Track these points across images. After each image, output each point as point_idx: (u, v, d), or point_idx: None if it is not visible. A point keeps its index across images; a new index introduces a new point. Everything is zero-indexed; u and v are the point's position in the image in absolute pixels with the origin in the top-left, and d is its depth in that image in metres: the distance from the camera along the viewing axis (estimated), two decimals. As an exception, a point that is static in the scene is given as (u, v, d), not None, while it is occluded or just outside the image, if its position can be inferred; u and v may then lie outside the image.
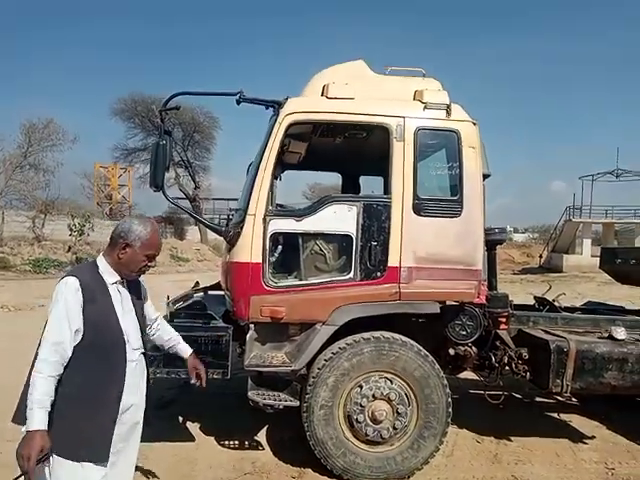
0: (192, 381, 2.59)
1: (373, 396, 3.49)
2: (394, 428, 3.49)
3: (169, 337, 2.59)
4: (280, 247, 3.66)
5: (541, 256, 30.46)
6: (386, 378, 3.54)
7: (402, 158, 3.63)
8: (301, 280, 3.63)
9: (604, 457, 4.05)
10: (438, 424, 3.55)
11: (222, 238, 3.82)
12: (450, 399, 3.59)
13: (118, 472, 2.13)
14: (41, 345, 1.95)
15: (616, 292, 13.94)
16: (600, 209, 30.06)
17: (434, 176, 3.84)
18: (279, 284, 3.57)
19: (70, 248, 20.23)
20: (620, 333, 3.88)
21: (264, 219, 3.50)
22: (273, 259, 3.61)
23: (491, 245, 4.19)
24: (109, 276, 2.12)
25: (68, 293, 1.97)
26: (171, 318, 3.58)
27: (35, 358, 1.95)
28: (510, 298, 4.22)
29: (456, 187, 3.70)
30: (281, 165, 4.85)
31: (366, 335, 3.54)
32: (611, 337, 3.90)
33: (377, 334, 3.56)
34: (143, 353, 2.25)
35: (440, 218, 3.65)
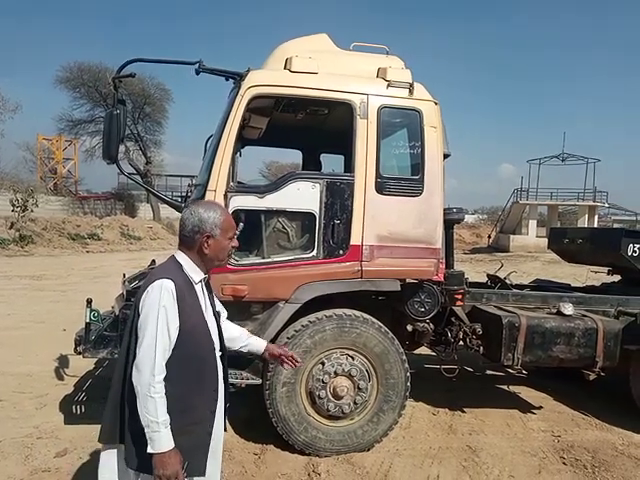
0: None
1: (335, 372, 3.53)
2: (355, 403, 3.55)
3: (239, 333, 2.30)
4: (242, 224, 3.58)
5: (490, 236, 31.59)
6: (347, 355, 3.59)
7: (365, 136, 3.61)
8: (264, 258, 3.58)
9: (551, 426, 4.30)
10: (397, 398, 3.65)
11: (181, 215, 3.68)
12: (409, 374, 3.68)
13: None
14: (145, 361, 1.72)
15: (560, 270, 14.73)
16: (546, 191, 31.40)
17: (396, 155, 3.85)
18: (241, 262, 3.51)
19: (12, 224, 19.11)
20: (568, 309, 4.09)
21: (225, 195, 3.40)
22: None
23: (449, 224, 4.28)
24: (195, 274, 1.91)
25: (166, 299, 1.75)
26: (128, 297, 3.46)
27: (130, 370, 1.77)
28: (466, 276, 4.36)
29: (417, 166, 3.73)
30: (241, 140, 4.74)
31: (328, 313, 3.56)
32: (559, 313, 4.10)
33: (339, 312, 3.58)
34: (221, 356, 2.04)
35: (402, 197, 3.67)
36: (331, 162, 5.37)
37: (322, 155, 5.49)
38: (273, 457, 3.51)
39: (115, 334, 3.40)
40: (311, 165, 5.32)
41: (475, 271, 13.24)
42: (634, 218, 40.28)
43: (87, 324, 3.50)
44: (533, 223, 29.40)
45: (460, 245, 31.37)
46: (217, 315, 2.06)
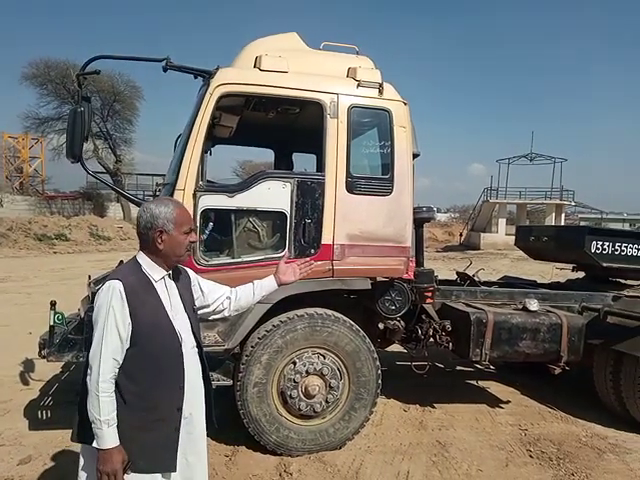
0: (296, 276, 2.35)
1: (306, 372, 3.53)
2: (327, 402, 3.56)
3: (250, 290, 2.27)
4: (212, 224, 3.55)
5: (461, 235, 32.18)
6: (319, 354, 3.60)
7: (336, 135, 3.62)
8: (234, 258, 3.55)
9: (518, 420, 4.40)
10: (368, 395, 3.67)
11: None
12: (380, 371, 3.72)
13: None
14: (94, 360, 1.77)
15: (528, 268, 15.12)
16: (515, 190, 32.11)
17: (366, 154, 3.88)
18: (211, 262, 3.47)
19: (-24, 225, 18.45)
20: (533, 305, 4.19)
21: (194, 195, 3.36)
22: (204, 237, 3.50)
23: (419, 223, 4.33)
24: (154, 272, 1.91)
25: (113, 299, 1.78)
26: (93, 299, 3.37)
27: (85, 371, 1.81)
28: (435, 274, 4.43)
29: (387, 166, 3.77)
30: (211, 139, 4.68)
31: (299, 312, 3.56)
32: (525, 309, 4.20)
33: (310, 311, 3.58)
34: (200, 352, 2.05)
35: (372, 196, 3.70)
36: (304, 161, 5.37)
37: (295, 154, 5.50)
38: (244, 458, 3.49)
39: (80, 337, 3.32)
40: (283, 164, 5.31)
41: (447, 269, 13.47)
42: (599, 216, 41.66)
43: (51, 327, 3.41)
44: (503, 221, 30.04)
45: (433, 243, 31.86)
46: (193, 310, 2.04)
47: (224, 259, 3.57)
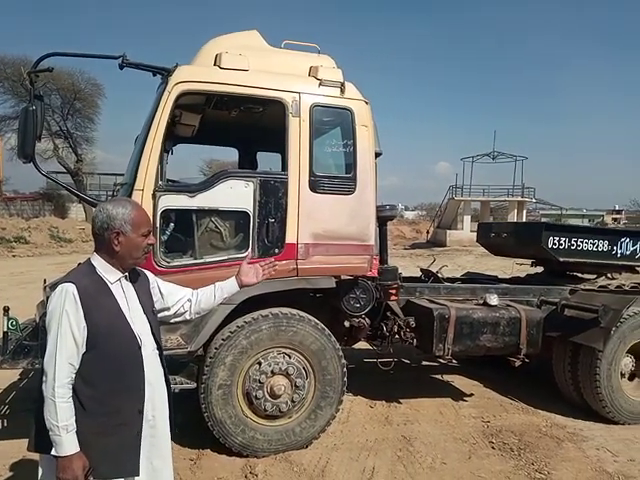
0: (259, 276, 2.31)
1: (272, 372, 3.51)
2: (292, 401, 3.56)
3: (212, 293, 2.23)
4: (173, 225, 3.49)
5: (428, 232, 32.67)
6: (284, 353, 3.58)
7: (298, 134, 3.62)
8: (196, 259, 3.50)
9: (481, 412, 4.51)
10: (334, 393, 3.69)
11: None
12: (345, 369, 3.74)
13: None
14: (48, 366, 1.73)
15: (492, 263, 15.45)
16: (479, 188, 32.81)
17: (329, 153, 3.89)
18: (172, 264, 3.41)
19: None
20: (493, 300, 4.30)
21: (153, 195, 3.29)
22: (165, 237, 3.43)
23: (382, 221, 4.38)
24: (110, 275, 1.87)
25: (67, 303, 1.74)
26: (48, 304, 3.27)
27: (41, 378, 1.75)
28: (399, 271, 4.48)
29: (350, 165, 3.79)
30: (173, 138, 4.60)
31: (264, 312, 3.54)
32: (486, 304, 4.31)
33: (275, 310, 3.57)
34: (160, 354, 2.00)
35: (335, 195, 3.72)
36: (271, 161, 5.33)
37: (261, 154, 5.46)
38: (209, 461, 3.45)
39: (35, 343, 3.21)
40: (247, 163, 5.27)
41: (415, 265, 13.59)
42: (559, 212, 43.10)
43: (5, 333, 3.28)
44: (467, 218, 30.66)
45: (401, 241, 32.27)
46: (152, 312, 2.01)
47: (186, 260, 3.51)
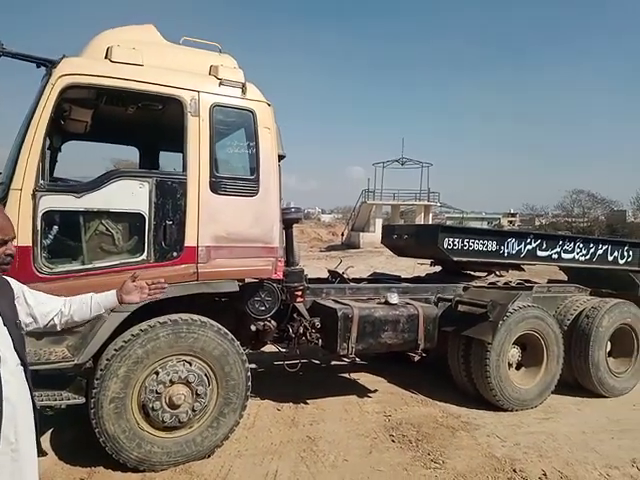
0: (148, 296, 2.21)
1: (170, 381, 3.36)
2: (193, 410, 3.43)
3: (87, 306, 2.09)
4: (57, 227, 3.22)
5: (343, 234, 33.48)
6: (185, 361, 3.45)
7: (198, 134, 3.52)
8: (84, 264, 3.26)
9: (384, 407, 4.66)
10: (238, 399, 3.62)
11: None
12: (249, 373, 3.68)
13: None
14: None
15: (401, 264, 16.11)
16: (389, 192, 34.27)
17: (231, 154, 3.83)
18: (56, 270, 3.15)
19: None
20: (393, 298, 4.47)
21: (33, 195, 3.02)
22: (48, 241, 3.16)
23: (288, 223, 4.39)
24: None
25: None
26: None
27: None
28: (305, 272, 4.52)
29: (253, 166, 3.75)
30: (62, 134, 4.31)
31: (162, 319, 3.38)
32: (387, 302, 4.47)
33: (174, 317, 3.43)
34: (24, 370, 1.81)
35: (238, 197, 3.66)
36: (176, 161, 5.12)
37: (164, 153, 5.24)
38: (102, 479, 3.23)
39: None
40: (148, 163, 5.04)
41: (330, 267, 13.85)
42: (461, 215, 46.22)
43: None
44: (379, 221, 31.80)
45: (317, 243, 32.75)
46: (15, 325, 1.81)
47: (72, 266, 3.26)
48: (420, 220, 31.77)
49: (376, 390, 5.09)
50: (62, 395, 3.19)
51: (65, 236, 3.28)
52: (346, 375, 5.55)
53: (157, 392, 3.32)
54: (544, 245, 5.68)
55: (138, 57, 3.40)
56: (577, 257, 5.89)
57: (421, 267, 6.76)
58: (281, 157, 4.08)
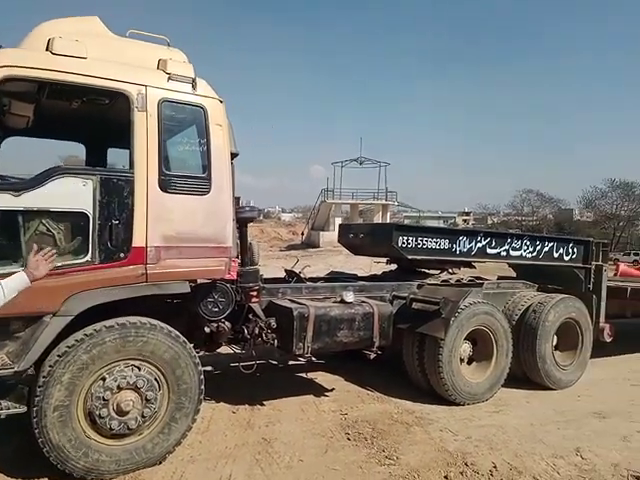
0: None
1: (118, 387, 3.24)
2: (143, 416, 3.32)
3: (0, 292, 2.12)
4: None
5: (303, 233, 33.53)
6: (133, 366, 3.33)
7: (145, 130, 3.40)
8: (23, 266, 3.07)
9: (340, 405, 4.68)
10: (190, 403, 3.52)
11: None
12: (203, 376, 3.59)
13: None
14: None
15: (360, 262, 16.21)
16: (349, 191, 34.59)
17: (181, 152, 3.73)
18: (-9, 272, 2.96)
19: None
20: (349, 297, 4.49)
21: (-35, 193, 2.84)
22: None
23: (242, 222, 4.32)
24: None
25: None
26: None
27: None
28: (261, 272, 4.47)
29: (204, 164, 3.66)
30: (3, 129, 4.10)
31: (108, 323, 3.25)
32: (343, 301, 4.48)
33: (122, 320, 3.30)
34: None
35: (189, 195, 3.56)
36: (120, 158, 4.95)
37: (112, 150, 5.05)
38: (46, 492, 3.08)
39: None
40: (95, 160, 4.84)
41: (289, 267, 13.81)
42: (418, 214, 47.24)
43: None
44: (338, 220, 32.04)
45: (277, 242, 32.65)
46: None
47: (12, 268, 3.05)
48: (378, 219, 32.24)
49: (333, 389, 5.10)
50: (2, 404, 3.02)
51: (2, 237, 3.11)
52: (303, 375, 5.53)
53: (104, 399, 3.19)
54: (493, 243, 5.86)
55: (81, 49, 3.25)
56: (524, 254, 6.11)
57: (377, 265, 6.82)
58: (234, 155, 4.01)
